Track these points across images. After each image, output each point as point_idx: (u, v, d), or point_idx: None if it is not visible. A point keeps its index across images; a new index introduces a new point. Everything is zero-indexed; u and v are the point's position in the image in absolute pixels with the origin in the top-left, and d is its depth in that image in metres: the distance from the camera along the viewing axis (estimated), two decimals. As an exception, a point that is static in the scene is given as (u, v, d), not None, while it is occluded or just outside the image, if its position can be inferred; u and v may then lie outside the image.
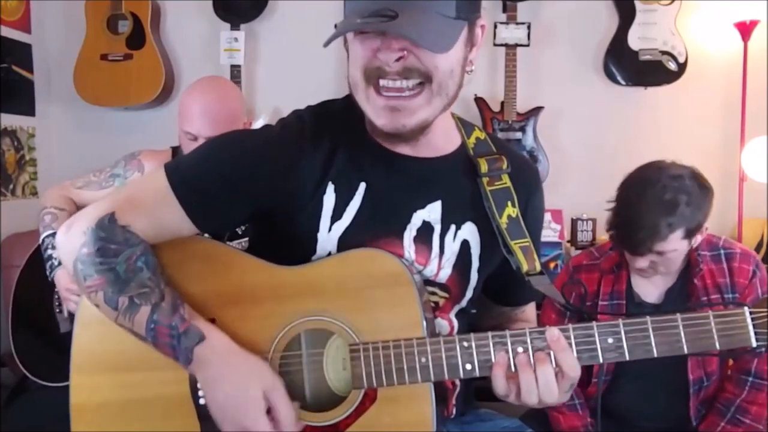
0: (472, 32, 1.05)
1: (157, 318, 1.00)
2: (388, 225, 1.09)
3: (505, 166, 1.15)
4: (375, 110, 1.02)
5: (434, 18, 0.96)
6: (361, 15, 0.95)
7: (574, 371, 0.96)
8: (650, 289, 1.78)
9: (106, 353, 1.09)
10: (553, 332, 0.96)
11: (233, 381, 0.99)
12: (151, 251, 1.04)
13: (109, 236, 1.02)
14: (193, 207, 1.05)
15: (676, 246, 1.63)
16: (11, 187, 2.96)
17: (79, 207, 1.92)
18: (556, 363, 0.96)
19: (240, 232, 1.88)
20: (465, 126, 1.19)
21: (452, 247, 1.12)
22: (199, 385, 1.05)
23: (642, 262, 1.67)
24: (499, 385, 0.98)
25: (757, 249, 2.78)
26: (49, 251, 1.91)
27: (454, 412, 1.19)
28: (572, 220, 2.91)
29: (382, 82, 0.99)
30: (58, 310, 2.19)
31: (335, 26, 1.03)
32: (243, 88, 3.04)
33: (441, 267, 1.12)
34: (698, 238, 1.69)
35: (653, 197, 1.62)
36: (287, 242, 1.09)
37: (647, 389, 1.76)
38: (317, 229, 1.08)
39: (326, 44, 1.00)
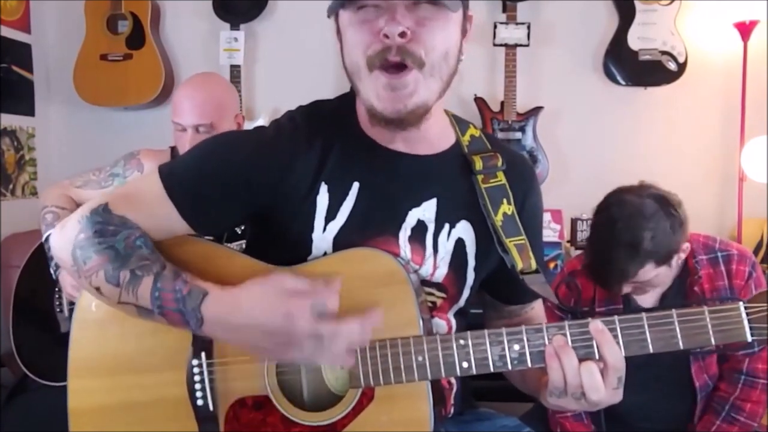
0: (465, 20, 1.06)
1: (160, 285, 0.98)
2: (383, 224, 1.09)
3: (499, 163, 1.14)
4: (376, 90, 1.00)
5: None
6: None
7: (620, 362, 0.96)
8: (646, 295, 1.77)
9: (104, 357, 1.09)
10: (597, 324, 0.96)
11: (257, 308, 0.94)
12: (149, 236, 1.04)
13: (106, 220, 1.02)
14: (188, 210, 1.05)
15: (650, 275, 1.63)
16: (11, 187, 2.96)
17: (78, 206, 1.93)
18: (599, 356, 0.96)
19: (240, 232, 1.88)
20: (459, 123, 1.19)
21: (446, 246, 1.12)
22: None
23: (624, 289, 1.68)
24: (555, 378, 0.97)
25: (757, 249, 2.78)
26: None
27: (452, 411, 1.19)
28: (572, 220, 2.91)
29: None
30: (58, 310, 2.20)
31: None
32: (242, 88, 3.04)
33: (436, 266, 1.11)
34: (679, 256, 1.68)
35: (615, 240, 1.60)
36: (282, 243, 1.08)
37: (650, 392, 1.76)
38: (312, 230, 1.07)
39: (330, 14, 1.02)
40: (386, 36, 0.96)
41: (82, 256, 1.01)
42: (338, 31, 1.06)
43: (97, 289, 1.01)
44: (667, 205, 1.63)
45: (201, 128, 1.92)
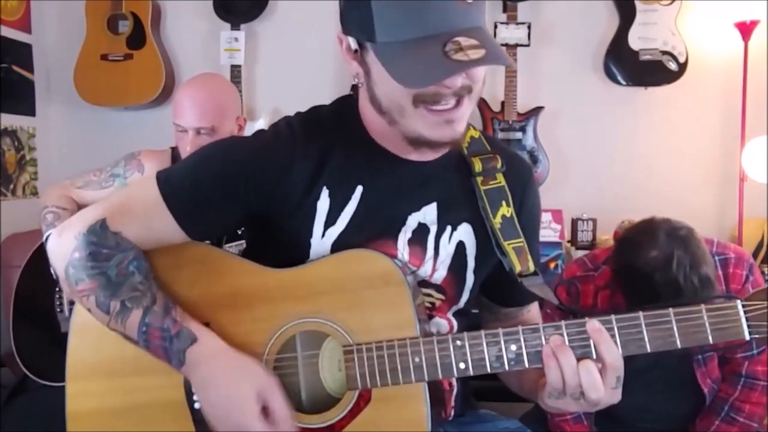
0: None
1: (149, 321, 1.00)
2: (383, 228, 1.09)
3: (499, 164, 1.14)
4: (428, 125, 0.99)
5: (489, 35, 0.96)
6: (440, 42, 0.91)
7: (618, 362, 0.95)
8: None
9: (101, 359, 1.10)
10: (594, 323, 0.96)
11: (226, 381, 0.99)
12: (143, 256, 1.05)
13: (101, 241, 1.02)
14: (184, 217, 1.05)
15: None
16: (11, 187, 2.96)
17: (80, 206, 1.93)
18: (597, 355, 0.96)
19: (240, 233, 1.88)
20: None
21: (447, 249, 1.12)
22: (193, 389, 1.05)
23: None
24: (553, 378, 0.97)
25: (758, 249, 2.78)
26: None
27: (452, 413, 1.19)
28: (572, 220, 2.91)
29: (434, 106, 0.97)
30: (58, 310, 2.20)
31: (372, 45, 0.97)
32: (243, 88, 3.04)
33: (435, 268, 1.11)
34: None
35: (689, 290, 1.52)
36: (281, 247, 1.08)
37: (652, 394, 1.76)
38: (310, 235, 1.07)
39: (419, 85, 0.94)
40: (446, 85, 0.95)
41: (75, 276, 1.02)
42: (357, 52, 1.00)
43: (88, 309, 1.04)
44: (678, 232, 1.58)
45: (202, 131, 1.92)
